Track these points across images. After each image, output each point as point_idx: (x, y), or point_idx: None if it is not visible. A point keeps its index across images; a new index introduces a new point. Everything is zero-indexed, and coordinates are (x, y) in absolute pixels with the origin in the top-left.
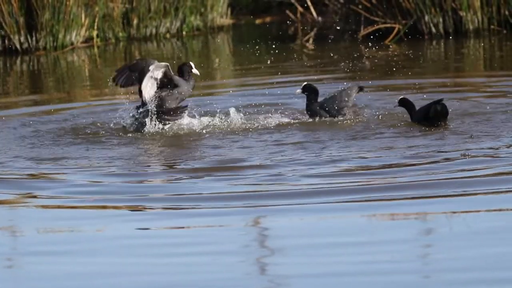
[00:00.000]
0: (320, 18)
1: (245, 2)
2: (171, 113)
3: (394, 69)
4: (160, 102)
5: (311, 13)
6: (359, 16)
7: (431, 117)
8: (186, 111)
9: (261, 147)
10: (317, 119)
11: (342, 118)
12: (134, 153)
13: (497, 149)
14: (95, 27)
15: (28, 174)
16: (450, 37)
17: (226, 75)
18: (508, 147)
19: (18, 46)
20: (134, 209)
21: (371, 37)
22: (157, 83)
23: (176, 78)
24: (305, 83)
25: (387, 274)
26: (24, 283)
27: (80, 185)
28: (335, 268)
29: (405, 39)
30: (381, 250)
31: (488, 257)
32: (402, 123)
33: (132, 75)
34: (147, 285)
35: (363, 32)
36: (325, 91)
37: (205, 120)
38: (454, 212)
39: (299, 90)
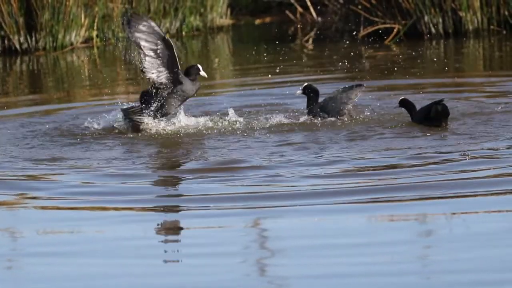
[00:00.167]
0: (319, 19)
1: (245, 2)
2: (166, 109)
3: (394, 69)
4: (162, 100)
5: (311, 14)
6: (359, 17)
7: (432, 118)
8: (181, 112)
9: (261, 148)
10: (317, 119)
11: (342, 119)
12: (134, 154)
13: (497, 150)
14: (95, 28)
15: (27, 175)
16: (450, 38)
17: (226, 75)
18: (508, 148)
19: (17, 46)
20: (133, 210)
21: (371, 37)
22: (162, 62)
23: (182, 76)
24: (306, 83)
25: (387, 275)
26: (24, 284)
27: (79, 186)
28: (335, 269)
29: (405, 39)
30: (381, 251)
31: (488, 259)
32: (403, 124)
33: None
34: (147, 286)
35: (362, 32)
36: (325, 91)
37: (205, 120)
38: (454, 213)
39: (299, 91)
